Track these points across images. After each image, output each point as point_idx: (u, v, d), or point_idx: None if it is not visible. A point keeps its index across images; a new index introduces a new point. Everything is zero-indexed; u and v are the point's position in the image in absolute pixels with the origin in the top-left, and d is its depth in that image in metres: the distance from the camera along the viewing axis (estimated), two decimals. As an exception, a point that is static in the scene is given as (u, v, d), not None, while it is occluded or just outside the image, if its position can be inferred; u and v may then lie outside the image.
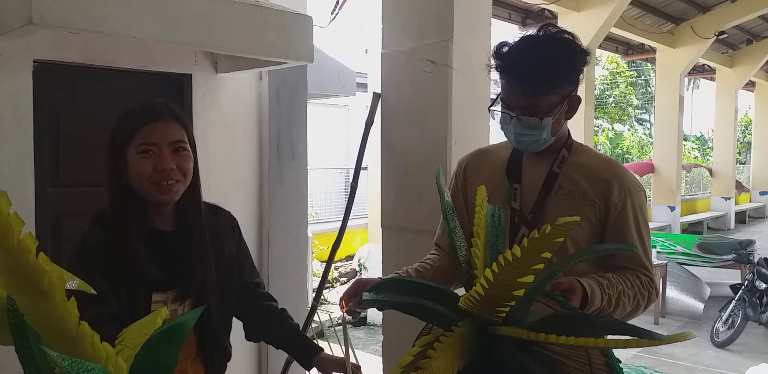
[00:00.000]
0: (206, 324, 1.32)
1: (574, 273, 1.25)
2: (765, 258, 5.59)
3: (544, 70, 1.29)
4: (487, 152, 1.55)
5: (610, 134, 21.36)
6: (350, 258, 9.04)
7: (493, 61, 1.37)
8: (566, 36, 1.33)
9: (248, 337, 1.49)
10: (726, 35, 10.35)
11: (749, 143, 17.15)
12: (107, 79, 2.42)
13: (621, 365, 0.99)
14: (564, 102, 1.34)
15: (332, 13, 3.34)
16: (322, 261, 7.64)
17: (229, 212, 1.51)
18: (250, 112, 2.87)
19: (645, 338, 0.77)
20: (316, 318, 5.95)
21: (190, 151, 1.30)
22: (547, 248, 0.72)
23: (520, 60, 1.31)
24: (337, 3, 3.33)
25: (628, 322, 0.88)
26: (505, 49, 1.35)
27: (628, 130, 23.25)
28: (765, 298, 5.28)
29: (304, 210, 3.02)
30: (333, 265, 8.84)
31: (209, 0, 2.06)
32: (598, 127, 20.70)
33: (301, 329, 1.51)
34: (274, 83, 2.88)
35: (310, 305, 2.70)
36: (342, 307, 1.19)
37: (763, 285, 5.24)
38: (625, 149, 20.89)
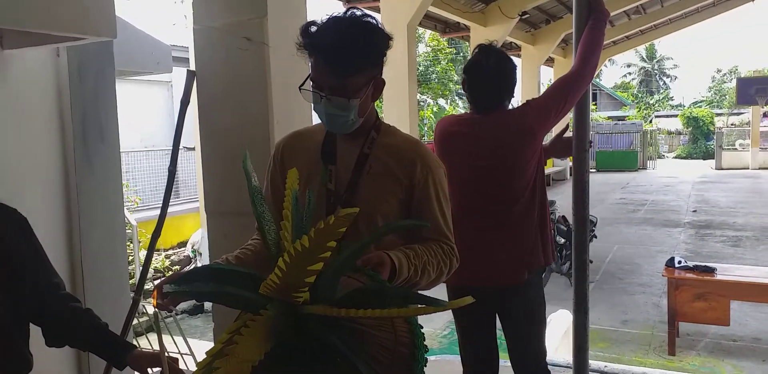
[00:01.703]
0: None
1: (384, 246, 1.34)
2: (563, 216, 6.40)
3: (350, 52, 1.33)
4: (303, 134, 1.58)
5: (435, 109, 22.63)
6: (183, 244, 8.66)
7: (301, 39, 1.38)
8: (370, 20, 1.39)
9: (49, 343, 1.37)
10: (528, 15, 11.41)
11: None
12: None
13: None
14: (369, 84, 1.40)
15: (137, -16, 3.08)
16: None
17: (14, 210, 1.36)
18: (48, 93, 2.58)
19: (431, 305, 0.85)
20: (148, 311, 5.63)
21: None
22: (331, 237, 0.77)
23: (328, 41, 1.34)
24: (142, -27, 3.08)
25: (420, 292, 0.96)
26: (313, 28, 1.37)
27: (450, 104, 24.82)
28: (564, 251, 6.06)
29: (119, 197, 2.81)
30: (165, 253, 8.40)
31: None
32: (423, 102, 21.81)
33: (124, 324, 1.43)
34: (75, 60, 2.61)
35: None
36: (154, 301, 1.15)
37: (562, 240, 6.01)
38: (449, 122, 22.32)
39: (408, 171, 1.43)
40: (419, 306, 0.88)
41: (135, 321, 4.15)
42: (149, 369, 1.29)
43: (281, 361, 0.88)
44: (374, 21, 1.38)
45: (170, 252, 8.33)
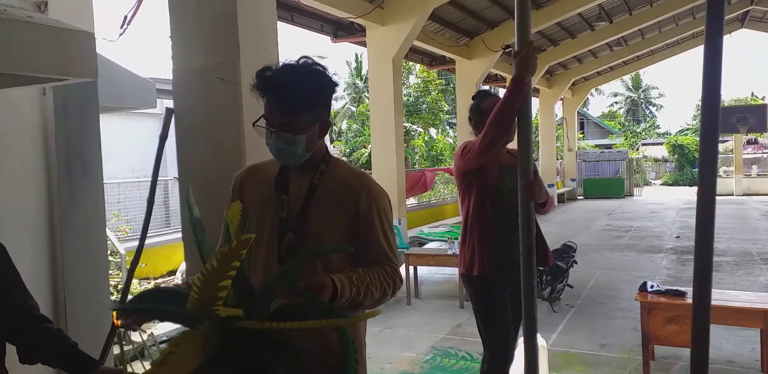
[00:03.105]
0: None
1: (332, 269, 1.48)
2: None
3: (295, 93, 1.50)
4: (259, 167, 1.74)
5: (426, 138, 22.95)
6: (173, 273, 8.69)
7: (255, 81, 1.55)
8: (319, 68, 1.56)
9: (22, 360, 1.49)
10: (511, 48, 11.76)
11: (538, 142, 19.66)
12: None
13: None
14: (316, 124, 1.57)
15: (121, 28, 3.29)
16: (140, 280, 7.26)
17: None
18: (34, 130, 2.73)
19: (342, 317, 0.99)
20: (135, 338, 5.67)
21: None
22: (235, 258, 0.90)
23: (278, 83, 1.51)
24: (126, 18, 3.29)
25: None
26: (268, 72, 1.54)
27: (440, 133, 25.18)
28: (544, 277, 6.16)
29: (102, 227, 2.94)
30: (155, 282, 8.43)
31: (-27, 15, 1.97)
32: (414, 131, 22.14)
33: (102, 349, 1.55)
34: (60, 98, 2.78)
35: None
36: (116, 321, 1.27)
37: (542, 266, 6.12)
38: (438, 151, 22.63)
39: (354, 200, 1.58)
40: (342, 318, 1.00)
41: (119, 350, 4.20)
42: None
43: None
44: (322, 68, 1.55)
45: (160, 280, 8.37)
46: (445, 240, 7.06)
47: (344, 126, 25.82)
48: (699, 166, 1.17)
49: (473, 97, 3.04)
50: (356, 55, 30.29)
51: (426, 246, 7.77)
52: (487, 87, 24.65)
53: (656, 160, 31.69)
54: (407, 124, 21.13)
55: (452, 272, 6.71)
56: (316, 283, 1.33)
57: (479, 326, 3.00)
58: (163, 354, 0.94)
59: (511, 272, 2.75)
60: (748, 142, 25.09)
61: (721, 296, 4.60)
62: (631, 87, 45.24)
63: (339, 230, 1.56)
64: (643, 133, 37.94)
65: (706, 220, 1.11)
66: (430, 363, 4.75)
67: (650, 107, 46.15)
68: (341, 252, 1.54)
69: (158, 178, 2.72)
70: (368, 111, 13.54)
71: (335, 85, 1.57)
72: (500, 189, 2.78)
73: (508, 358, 2.94)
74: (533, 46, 2.21)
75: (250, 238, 0.93)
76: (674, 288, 4.70)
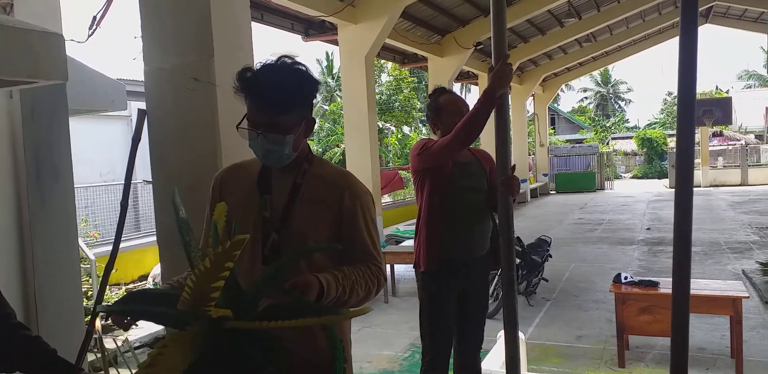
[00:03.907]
0: None
1: (316, 268, 1.48)
2: (518, 237, 6.61)
3: (281, 93, 1.49)
4: (239, 167, 1.72)
5: (399, 135, 23.00)
6: (145, 277, 8.57)
7: (238, 84, 1.54)
8: (300, 67, 1.56)
9: (0, 369, 1.46)
10: (482, 45, 11.87)
11: (510, 138, 19.86)
12: None
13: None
14: (302, 122, 1.57)
15: (90, 29, 3.22)
16: (111, 285, 7.14)
17: None
18: (1, 134, 2.67)
19: (332, 315, 0.99)
20: (108, 345, 5.58)
21: None
22: (228, 259, 0.91)
23: (261, 84, 1.50)
24: (95, 19, 3.22)
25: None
26: (249, 73, 1.53)
27: (413, 131, 25.26)
28: (520, 271, 6.25)
29: (74, 233, 2.88)
30: (126, 287, 8.29)
31: (-66, 16, 1.91)
32: (387, 130, 22.17)
33: (78, 354, 1.53)
34: (28, 102, 2.71)
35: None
36: (92, 324, 1.26)
37: (517, 260, 6.20)
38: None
39: (337, 198, 1.58)
40: (329, 316, 1.01)
41: (94, 357, 4.13)
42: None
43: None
44: (303, 67, 1.55)
45: (131, 285, 8.24)
46: (422, 238, 7.09)
47: (316, 125, 25.69)
48: (676, 160, 1.20)
49: (429, 95, 3.05)
50: (327, 53, 30.14)
51: (402, 244, 7.81)
52: (459, 84, 24.79)
53: (626, 154, 32.31)
54: (380, 123, 21.15)
55: (430, 269, 6.73)
56: (302, 283, 1.34)
57: (420, 321, 3.01)
58: (151, 355, 0.94)
59: (457, 270, 2.79)
60: (714, 135, 25.74)
61: (692, 285, 4.72)
62: (600, 82, 45.99)
63: (323, 229, 1.56)
64: (613, 128, 38.62)
65: (684, 212, 1.15)
66: (409, 361, 4.78)
67: (619, 102, 47.00)
68: (325, 252, 1.54)
69: (135, 181, 2.67)
70: (340, 110, 13.50)
71: (318, 82, 1.57)
72: (453, 187, 2.78)
73: (438, 360, 2.87)
74: (508, 61, 2.26)
75: (244, 239, 0.93)
76: (647, 278, 4.81)
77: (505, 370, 2.93)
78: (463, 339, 2.93)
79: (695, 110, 1.12)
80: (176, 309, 1.01)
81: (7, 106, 2.67)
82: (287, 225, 1.56)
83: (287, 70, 1.53)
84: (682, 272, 1.18)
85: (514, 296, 2.21)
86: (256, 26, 8.84)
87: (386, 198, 11.10)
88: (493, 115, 2.27)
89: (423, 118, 26.91)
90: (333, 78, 29.09)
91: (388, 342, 5.26)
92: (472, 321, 2.93)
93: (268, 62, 1.56)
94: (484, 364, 3.17)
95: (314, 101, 1.62)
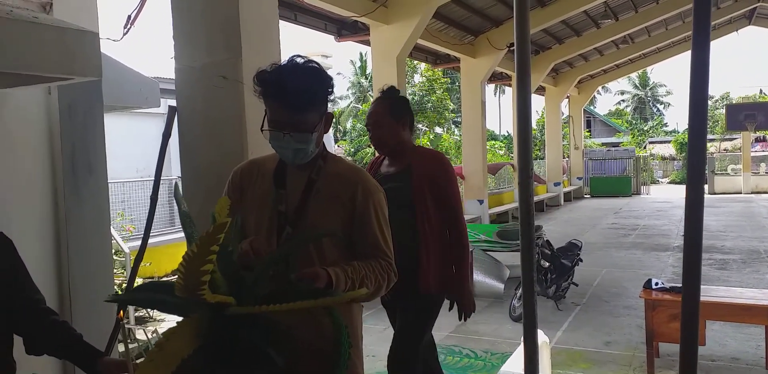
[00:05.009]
0: None
1: (327, 262, 1.50)
2: (547, 241, 6.52)
3: (302, 92, 1.52)
4: (258, 162, 1.76)
5: (431, 136, 22.96)
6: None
7: (258, 88, 1.57)
8: (313, 64, 1.58)
9: (28, 351, 1.53)
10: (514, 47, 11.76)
11: (544, 140, 19.63)
12: None
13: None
14: (322, 119, 1.60)
15: (125, 28, 3.32)
16: (144, 278, 7.31)
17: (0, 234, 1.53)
18: (40, 129, 2.77)
19: (327, 297, 1.02)
20: (142, 337, 5.71)
21: None
22: (213, 243, 0.93)
23: (282, 85, 1.53)
24: (129, 18, 3.32)
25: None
26: (267, 76, 1.56)
27: (446, 132, 25.19)
28: (549, 275, 6.17)
29: (106, 225, 2.97)
30: (160, 280, 8.46)
31: (-22, 15, 2.00)
32: (419, 130, 22.16)
33: (107, 344, 1.59)
34: (65, 98, 2.81)
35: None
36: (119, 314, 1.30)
37: (546, 264, 6.12)
38: (444, 150, 22.61)
39: (350, 194, 1.61)
40: (324, 298, 1.03)
41: (123, 348, 4.24)
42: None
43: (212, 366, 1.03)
44: (316, 65, 1.58)
45: (165, 279, 8.42)
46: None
47: (349, 125, 25.83)
48: (688, 160, 1.18)
49: (396, 95, 2.67)
50: (361, 54, 30.33)
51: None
52: (492, 85, 24.57)
53: (664, 158, 31.55)
54: (413, 123, 21.08)
55: (457, 270, 6.68)
56: (311, 274, 1.36)
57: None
58: (159, 341, 0.97)
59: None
60: (756, 140, 24.95)
61: (726, 293, 4.59)
62: (638, 85, 45.06)
63: (336, 223, 1.59)
64: (651, 131, 37.79)
65: (694, 215, 1.13)
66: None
67: (658, 105, 45.95)
68: (336, 245, 1.57)
69: (163, 177, 2.74)
70: (373, 110, 13.52)
71: (331, 78, 1.61)
72: None
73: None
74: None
75: (225, 223, 0.96)
76: (678, 285, 4.70)
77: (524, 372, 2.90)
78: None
79: (707, 114, 1.09)
80: (179, 297, 1.05)
81: (46, 102, 2.77)
82: (301, 219, 1.59)
83: (303, 70, 1.57)
84: (692, 276, 1.15)
85: (533, 296, 2.18)
86: (289, 26, 8.96)
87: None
88: (515, 112, 2.25)
89: (456, 119, 26.84)
90: (366, 78, 29.21)
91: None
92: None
93: (285, 63, 1.59)
94: (506, 366, 3.14)
95: (332, 97, 1.64)
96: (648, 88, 45.43)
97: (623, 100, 46.22)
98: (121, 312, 1.33)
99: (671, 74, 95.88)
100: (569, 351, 4.95)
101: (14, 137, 2.63)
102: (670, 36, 16.64)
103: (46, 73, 2.25)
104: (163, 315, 6.09)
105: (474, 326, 5.71)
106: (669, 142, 32.22)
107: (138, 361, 1.36)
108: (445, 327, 5.64)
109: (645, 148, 32.03)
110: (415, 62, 21.08)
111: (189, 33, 2.62)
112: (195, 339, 0.97)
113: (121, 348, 3.77)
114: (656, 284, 4.69)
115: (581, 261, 6.84)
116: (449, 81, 25.88)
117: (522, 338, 3.88)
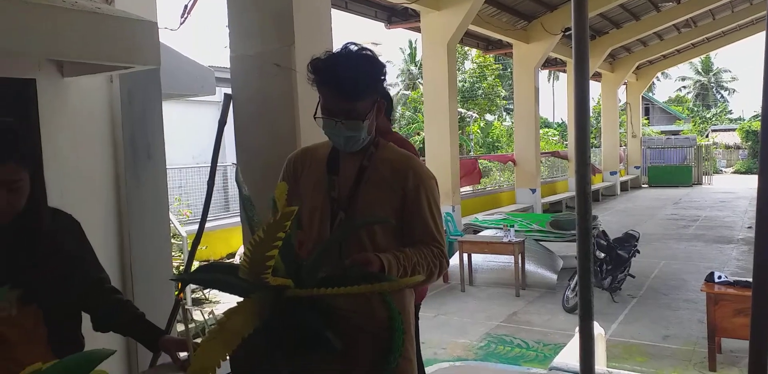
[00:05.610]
0: (54, 320, 1.42)
1: (380, 248, 1.50)
2: (603, 231, 6.35)
3: (356, 80, 1.52)
4: (311, 149, 1.77)
5: (482, 124, 22.64)
6: (232, 256, 8.96)
7: (311, 76, 1.58)
8: (367, 52, 1.57)
9: (95, 328, 1.59)
10: (571, 31, 11.40)
11: (600, 128, 19.04)
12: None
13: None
14: (374, 106, 1.59)
15: (181, 17, 3.39)
16: (200, 261, 7.54)
17: (69, 216, 1.60)
18: (102, 116, 2.87)
19: (384, 282, 1.01)
20: (199, 318, 5.91)
21: (24, 183, 1.35)
22: (279, 230, 0.93)
23: (336, 73, 1.54)
24: (186, 8, 3.39)
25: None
26: (321, 63, 1.56)
27: (497, 119, 24.79)
28: (604, 266, 6.00)
29: (165, 208, 3.06)
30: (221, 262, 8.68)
31: (48, 8, 2.08)
32: (470, 117, 21.88)
33: (167, 323, 1.64)
34: (126, 86, 2.90)
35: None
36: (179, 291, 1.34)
37: (602, 255, 5.96)
38: (495, 137, 22.29)
39: (401, 181, 1.60)
40: (381, 283, 1.03)
41: (183, 328, 4.39)
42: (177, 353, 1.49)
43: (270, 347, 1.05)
44: (370, 52, 1.57)
45: (219, 263, 8.66)
46: (501, 228, 6.97)
47: (398, 113, 25.78)
48: (760, 149, 1.10)
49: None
50: (410, 41, 30.15)
51: (481, 234, 7.71)
52: (546, 71, 23.99)
53: (727, 147, 30.15)
54: (462, 110, 20.87)
55: (507, 260, 6.63)
56: (363, 259, 1.36)
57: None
58: (221, 320, 0.99)
59: None
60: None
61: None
62: (700, 70, 43.06)
63: (387, 210, 1.58)
64: (714, 119, 36.10)
65: (767, 206, 1.05)
66: (484, 350, 4.74)
67: (722, 91, 43.81)
68: (388, 232, 1.57)
69: (218, 164, 2.80)
70: (421, 97, 13.44)
71: (384, 66, 1.59)
72: None
73: None
74: None
75: (293, 211, 0.96)
76: (743, 279, 4.49)
77: (579, 364, 2.84)
78: None
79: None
80: (241, 278, 1.06)
81: (108, 90, 2.87)
82: (353, 205, 1.59)
83: (357, 57, 1.56)
84: (764, 270, 1.08)
85: (589, 287, 2.12)
86: (340, 14, 8.97)
87: (466, 187, 10.98)
88: (571, 99, 2.17)
89: (507, 106, 26.35)
90: (416, 65, 29.02)
91: (463, 330, 5.24)
92: None
93: (338, 51, 1.58)
94: (559, 358, 3.08)
95: (385, 84, 1.63)
96: (711, 74, 43.34)
97: (684, 87, 44.29)
98: (181, 293, 1.36)
99: (737, 59, 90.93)
100: (625, 344, 4.82)
101: (79, 125, 2.74)
102: (737, 18, 15.72)
103: (109, 61, 2.33)
104: (219, 297, 6.27)
105: (526, 316, 5.64)
106: (734, 129, 30.68)
107: (196, 340, 1.40)
108: (496, 317, 5.60)
109: (707, 136, 30.66)
110: (466, 48, 20.76)
111: (243, 22, 2.65)
112: (255, 319, 0.99)
113: (180, 327, 3.91)
114: (719, 277, 4.49)
115: (638, 252, 6.62)
116: (501, 67, 25.41)
117: (577, 329, 3.79)
